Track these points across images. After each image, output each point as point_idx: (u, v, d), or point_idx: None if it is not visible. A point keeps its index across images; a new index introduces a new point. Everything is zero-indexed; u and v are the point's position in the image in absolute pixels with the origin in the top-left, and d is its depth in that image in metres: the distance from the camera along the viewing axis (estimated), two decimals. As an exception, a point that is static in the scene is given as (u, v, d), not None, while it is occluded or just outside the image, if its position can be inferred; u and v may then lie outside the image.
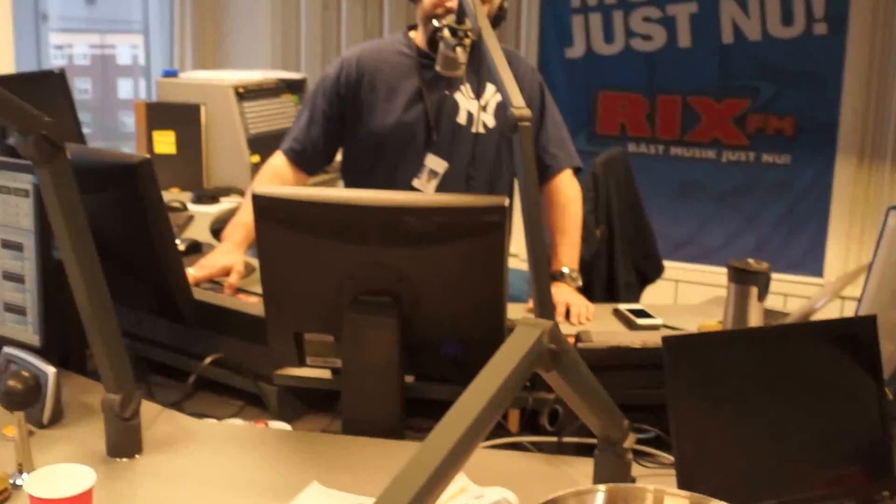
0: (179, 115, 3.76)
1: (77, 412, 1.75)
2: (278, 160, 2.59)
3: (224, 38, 5.49)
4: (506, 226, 1.61)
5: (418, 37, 2.53)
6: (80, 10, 5.43)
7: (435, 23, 2.31)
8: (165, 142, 3.76)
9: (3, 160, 1.79)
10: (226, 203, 3.52)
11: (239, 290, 2.22)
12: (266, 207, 1.66)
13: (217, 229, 3.24)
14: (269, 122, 3.88)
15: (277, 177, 2.56)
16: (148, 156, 1.85)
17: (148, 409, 1.70)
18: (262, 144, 3.74)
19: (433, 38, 2.33)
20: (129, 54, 6.02)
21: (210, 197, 3.54)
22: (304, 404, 1.94)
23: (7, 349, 1.75)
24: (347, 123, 2.54)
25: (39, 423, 1.65)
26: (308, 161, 2.58)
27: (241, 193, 3.57)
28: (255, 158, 3.71)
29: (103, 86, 5.79)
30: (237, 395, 2.00)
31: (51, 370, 1.66)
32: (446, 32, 2.20)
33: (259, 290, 2.16)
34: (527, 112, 1.84)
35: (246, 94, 3.82)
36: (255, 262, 2.37)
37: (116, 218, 1.89)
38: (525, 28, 4.69)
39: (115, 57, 5.94)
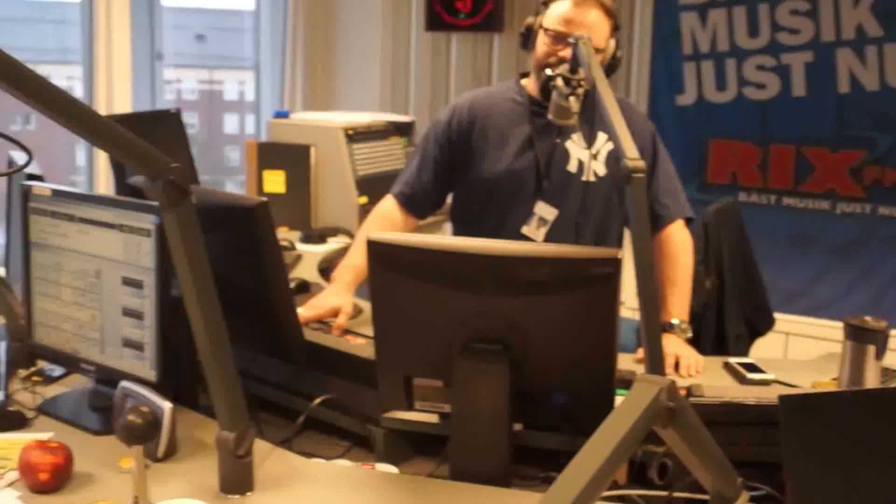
0: (290, 156, 3.84)
1: (190, 447, 1.78)
2: (388, 203, 2.62)
3: (334, 78, 5.61)
4: (619, 278, 1.60)
5: (530, 84, 2.54)
6: (190, 47, 5.61)
7: (548, 72, 2.31)
8: (275, 181, 3.84)
9: (127, 200, 1.86)
10: (333, 243, 3.57)
11: (347, 332, 2.25)
12: (380, 253, 1.69)
13: (325, 269, 3.28)
14: (378, 164, 3.94)
15: (387, 220, 2.59)
16: (265, 199, 1.89)
17: (258, 446, 1.72)
18: (370, 186, 3.79)
19: (546, 87, 2.33)
20: (236, 90, 6.19)
21: (318, 237, 3.60)
22: (411, 447, 1.95)
23: (124, 383, 1.81)
24: (458, 169, 2.56)
25: (154, 457, 1.69)
26: (418, 205, 2.60)
27: (349, 234, 3.63)
28: (363, 200, 3.76)
29: (210, 121, 5.96)
30: (344, 435, 2.02)
31: (167, 405, 1.70)
32: (559, 81, 2.20)
33: (366, 331, 2.20)
34: (640, 163, 1.82)
35: (355, 135, 3.88)
36: (363, 304, 2.40)
37: (231, 258, 1.94)
38: (636, 75, 4.68)
39: (223, 93, 6.11)
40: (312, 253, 3.36)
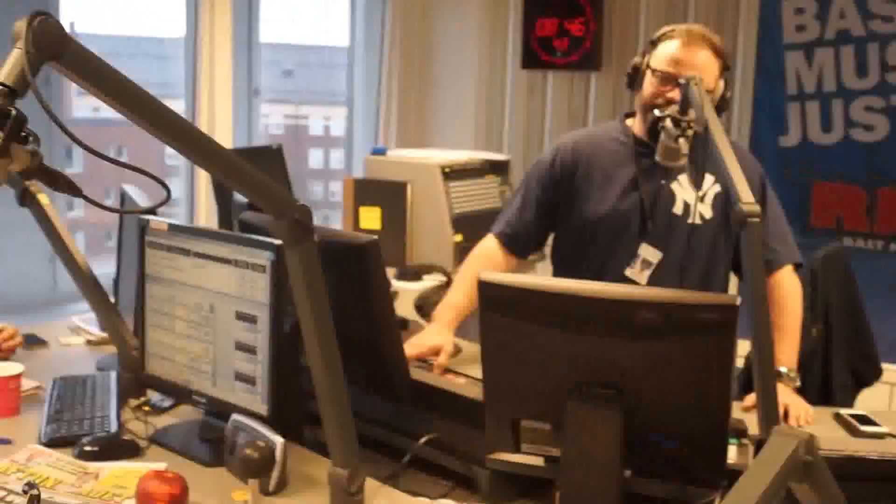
0: (386, 192, 3.87)
1: (299, 482, 1.80)
2: (490, 242, 2.62)
3: (428, 115, 5.66)
4: (736, 326, 1.57)
5: (635, 125, 2.52)
6: (277, 82, 5.72)
7: (656, 112, 2.30)
8: (371, 217, 3.88)
9: (244, 236, 1.89)
10: (429, 281, 3.59)
11: (447, 371, 2.25)
12: (491, 293, 1.68)
13: (420, 306, 3.29)
14: (473, 203, 3.94)
15: (488, 259, 2.59)
16: (376, 237, 1.91)
17: (366, 483, 1.73)
18: (466, 224, 3.80)
19: (653, 128, 2.30)
20: (321, 125, 6.29)
21: (413, 274, 3.61)
22: (514, 489, 1.93)
23: (236, 416, 1.83)
24: (560, 209, 2.55)
25: (266, 491, 1.71)
26: (519, 245, 2.60)
27: (444, 272, 3.64)
28: (458, 238, 3.77)
29: (295, 155, 6.07)
30: (446, 474, 2.01)
31: (279, 440, 1.72)
32: (668, 122, 2.18)
33: (466, 370, 2.20)
34: (756, 208, 1.80)
35: (452, 173, 3.89)
36: (463, 343, 2.41)
37: (342, 295, 1.95)
38: (737, 114, 4.62)
39: (308, 128, 6.21)
40: (408, 290, 3.38)
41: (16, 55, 1.07)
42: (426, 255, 3.80)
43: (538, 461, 1.82)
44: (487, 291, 1.69)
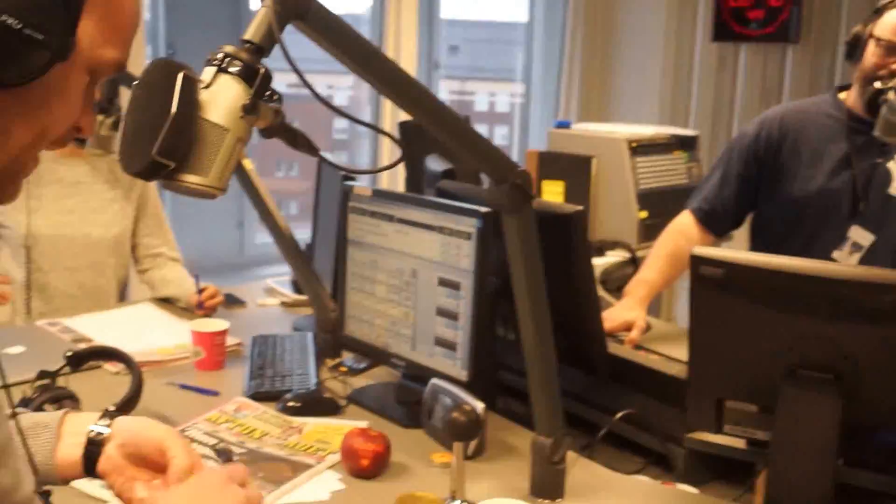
0: (570, 166, 3.83)
1: (495, 448, 1.81)
2: (685, 219, 2.55)
3: (610, 89, 5.57)
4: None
5: (850, 98, 2.39)
6: (443, 57, 5.76)
7: (877, 85, 2.18)
8: (554, 192, 3.84)
9: (450, 204, 1.90)
10: (612, 256, 3.54)
11: (638, 347, 2.21)
12: (705, 269, 1.63)
13: (604, 281, 3.25)
14: (659, 179, 3.85)
15: (683, 235, 2.52)
16: (581, 207, 1.88)
17: (565, 455, 1.72)
18: (651, 200, 3.72)
19: (873, 101, 2.18)
20: (486, 101, 6.28)
21: (597, 249, 3.56)
22: (710, 470, 1.88)
23: (435, 381, 1.85)
24: (763, 186, 2.45)
25: (465, 455, 1.72)
26: (716, 222, 2.52)
27: (628, 248, 3.57)
28: (643, 214, 3.70)
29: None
30: (637, 451, 1.97)
31: (479, 405, 1.72)
32: (892, 95, 2.06)
33: (657, 347, 2.15)
34: None
35: (638, 148, 3.81)
36: (653, 321, 2.36)
37: (546, 265, 1.94)
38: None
39: (473, 103, 6.22)
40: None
41: (262, 13, 1.10)
42: (609, 231, 3.75)
43: (740, 443, 1.76)
44: (700, 267, 1.64)
